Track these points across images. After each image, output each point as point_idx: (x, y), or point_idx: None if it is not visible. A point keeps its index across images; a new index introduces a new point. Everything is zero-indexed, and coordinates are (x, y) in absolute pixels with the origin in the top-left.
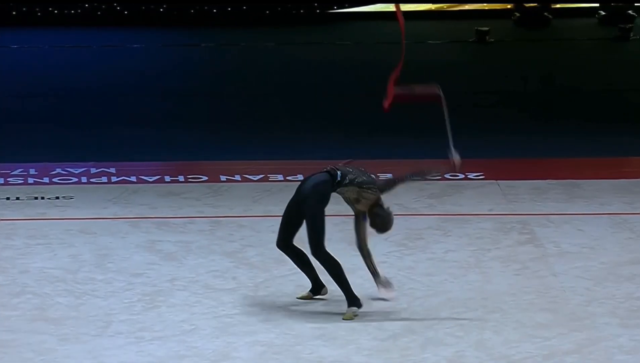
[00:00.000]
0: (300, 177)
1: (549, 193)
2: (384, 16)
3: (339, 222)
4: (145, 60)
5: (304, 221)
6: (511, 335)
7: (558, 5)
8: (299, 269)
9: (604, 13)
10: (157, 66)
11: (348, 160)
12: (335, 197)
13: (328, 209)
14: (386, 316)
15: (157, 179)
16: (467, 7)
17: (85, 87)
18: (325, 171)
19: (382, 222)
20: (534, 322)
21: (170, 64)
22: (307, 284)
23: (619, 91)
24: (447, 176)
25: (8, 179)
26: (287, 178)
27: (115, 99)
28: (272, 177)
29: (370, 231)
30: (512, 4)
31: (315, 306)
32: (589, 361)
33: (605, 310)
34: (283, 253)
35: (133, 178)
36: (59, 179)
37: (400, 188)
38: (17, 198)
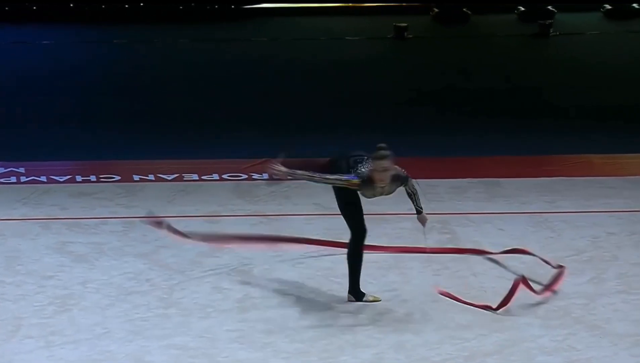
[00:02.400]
0: (216, 176)
1: (469, 191)
2: (298, 12)
3: (256, 222)
4: (55, 57)
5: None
6: (431, 336)
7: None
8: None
9: (523, 9)
10: (68, 63)
11: (263, 160)
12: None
13: (246, 210)
14: (304, 318)
15: (68, 179)
16: (385, 2)
17: None
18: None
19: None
20: (454, 323)
21: (82, 61)
22: (225, 285)
23: (539, 88)
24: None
25: None
26: (202, 177)
27: (25, 97)
28: (186, 176)
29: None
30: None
31: (232, 308)
32: (510, 362)
33: (526, 311)
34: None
35: (43, 178)
36: None
37: (316, 185)
38: None
